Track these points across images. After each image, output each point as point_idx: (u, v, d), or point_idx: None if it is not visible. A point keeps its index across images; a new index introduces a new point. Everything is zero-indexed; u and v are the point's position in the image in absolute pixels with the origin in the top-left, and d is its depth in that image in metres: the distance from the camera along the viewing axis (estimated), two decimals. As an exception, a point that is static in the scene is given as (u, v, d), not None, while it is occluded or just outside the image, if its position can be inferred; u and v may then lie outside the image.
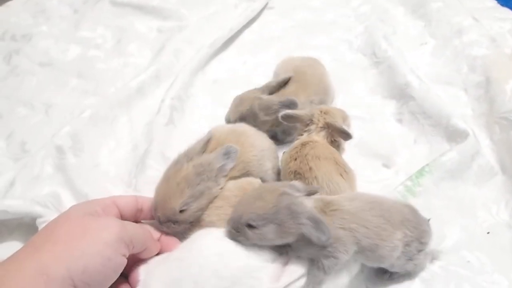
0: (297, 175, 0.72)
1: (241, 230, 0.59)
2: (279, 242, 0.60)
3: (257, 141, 0.77)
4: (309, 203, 0.59)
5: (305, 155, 0.73)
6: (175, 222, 0.66)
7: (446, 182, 0.78)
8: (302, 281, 0.60)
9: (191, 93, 1.05)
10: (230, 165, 0.70)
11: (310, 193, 0.62)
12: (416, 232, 0.62)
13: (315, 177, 0.70)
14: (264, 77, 1.08)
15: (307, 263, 0.61)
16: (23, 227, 0.76)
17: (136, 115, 1.00)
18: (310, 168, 0.71)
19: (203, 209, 0.68)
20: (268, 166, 0.77)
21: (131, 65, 1.17)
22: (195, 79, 1.08)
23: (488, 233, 0.72)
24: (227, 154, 0.70)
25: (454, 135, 0.83)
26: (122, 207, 0.65)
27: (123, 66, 1.17)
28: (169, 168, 0.70)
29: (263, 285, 0.59)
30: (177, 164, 0.69)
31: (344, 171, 0.73)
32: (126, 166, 0.89)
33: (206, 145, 0.72)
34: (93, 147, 0.91)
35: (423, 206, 0.71)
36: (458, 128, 0.83)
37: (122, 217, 0.64)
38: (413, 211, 0.64)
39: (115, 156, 0.92)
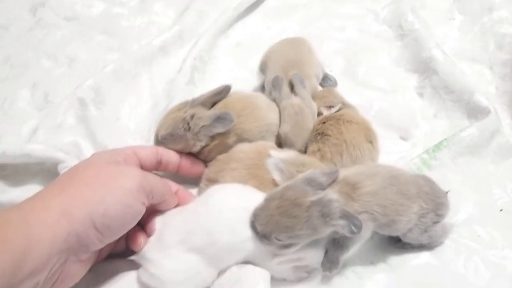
0: (324, 136, 0.73)
1: (270, 240, 0.58)
2: (314, 238, 0.60)
3: (265, 115, 0.77)
4: (335, 196, 0.58)
5: (337, 119, 0.75)
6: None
7: (464, 157, 0.77)
8: (309, 245, 0.61)
9: (213, 55, 1.05)
10: (218, 129, 0.71)
11: (331, 179, 0.60)
12: (432, 204, 0.62)
13: (344, 140, 0.72)
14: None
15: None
16: (44, 172, 0.78)
17: (158, 73, 1.01)
18: (341, 132, 0.72)
19: (178, 150, 0.73)
20: (271, 140, 0.78)
21: (155, 24, 1.17)
22: (218, 41, 1.08)
23: (501, 210, 0.72)
24: (220, 119, 0.71)
25: (475, 112, 0.83)
26: (142, 157, 0.67)
27: (147, 25, 1.17)
28: (178, 104, 0.75)
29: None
30: (181, 105, 0.74)
31: (375, 139, 0.75)
32: (146, 122, 0.90)
33: (215, 95, 0.74)
34: (114, 101, 0.92)
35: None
36: (480, 104, 0.82)
37: (142, 168, 0.66)
38: (430, 182, 0.64)
39: (135, 112, 0.93)
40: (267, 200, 0.59)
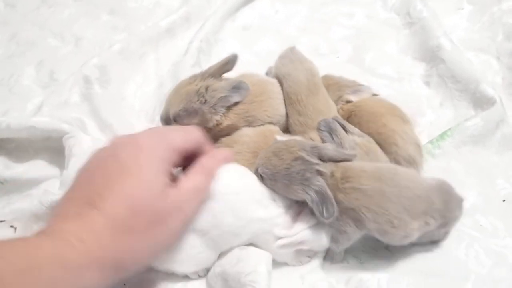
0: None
1: (257, 174, 0.63)
2: (288, 196, 0.62)
3: (279, 105, 0.75)
4: (327, 171, 0.59)
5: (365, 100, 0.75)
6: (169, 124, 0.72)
7: (467, 147, 0.77)
8: (312, 229, 0.61)
9: (219, 38, 1.04)
10: (235, 98, 0.70)
11: (340, 158, 0.61)
12: (442, 220, 0.60)
13: (384, 124, 0.71)
14: (295, 28, 1.07)
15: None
16: (49, 149, 0.78)
17: (164, 54, 1.01)
18: (381, 113, 0.72)
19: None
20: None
21: (162, 6, 1.17)
22: (225, 24, 1.07)
23: (504, 200, 0.72)
24: (236, 88, 0.70)
25: (481, 101, 0.82)
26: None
27: (154, 6, 1.17)
28: (187, 78, 0.74)
29: (276, 229, 0.61)
30: (191, 78, 0.73)
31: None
32: (151, 103, 0.90)
33: (223, 67, 0.73)
34: (120, 81, 0.93)
35: (441, 168, 0.72)
36: (486, 94, 0.81)
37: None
38: (446, 196, 0.60)
39: (140, 92, 0.93)
40: (274, 143, 0.64)
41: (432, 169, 0.72)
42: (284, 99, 0.76)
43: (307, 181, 0.58)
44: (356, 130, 0.69)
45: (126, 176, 0.52)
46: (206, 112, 0.70)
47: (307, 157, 0.59)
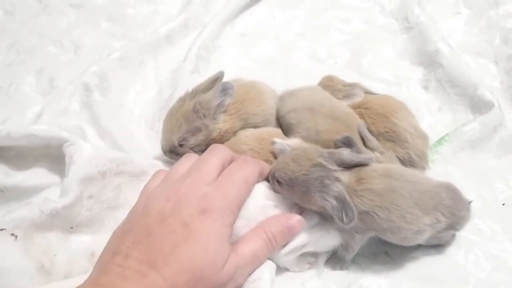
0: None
1: (272, 181, 0.63)
2: (304, 205, 0.62)
3: (269, 100, 0.77)
4: (344, 178, 0.59)
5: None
6: (176, 154, 0.71)
7: (465, 151, 0.78)
8: (314, 229, 0.62)
9: (218, 44, 1.05)
10: (228, 100, 0.72)
11: (357, 162, 0.61)
12: (453, 218, 0.60)
13: (395, 123, 0.72)
14: (293, 33, 1.07)
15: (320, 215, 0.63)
16: (49, 157, 0.78)
17: (163, 61, 1.01)
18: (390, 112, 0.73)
19: (201, 145, 0.72)
20: (273, 125, 0.77)
21: (161, 12, 1.17)
22: (223, 30, 1.08)
23: (503, 204, 0.72)
24: (224, 90, 0.71)
25: (479, 106, 0.83)
26: None
27: (152, 13, 1.17)
28: (175, 103, 0.74)
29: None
30: (180, 101, 0.74)
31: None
32: (150, 110, 0.91)
33: (213, 83, 0.74)
34: (119, 88, 0.93)
35: (440, 173, 0.72)
36: (484, 98, 0.82)
37: None
38: (454, 194, 0.62)
39: (140, 99, 0.94)
40: (292, 150, 0.64)
41: (431, 174, 0.72)
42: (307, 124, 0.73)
43: (325, 187, 0.58)
44: (377, 144, 0.70)
45: (192, 243, 0.51)
46: (208, 125, 0.72)
47: (325, 163, 0.59)
